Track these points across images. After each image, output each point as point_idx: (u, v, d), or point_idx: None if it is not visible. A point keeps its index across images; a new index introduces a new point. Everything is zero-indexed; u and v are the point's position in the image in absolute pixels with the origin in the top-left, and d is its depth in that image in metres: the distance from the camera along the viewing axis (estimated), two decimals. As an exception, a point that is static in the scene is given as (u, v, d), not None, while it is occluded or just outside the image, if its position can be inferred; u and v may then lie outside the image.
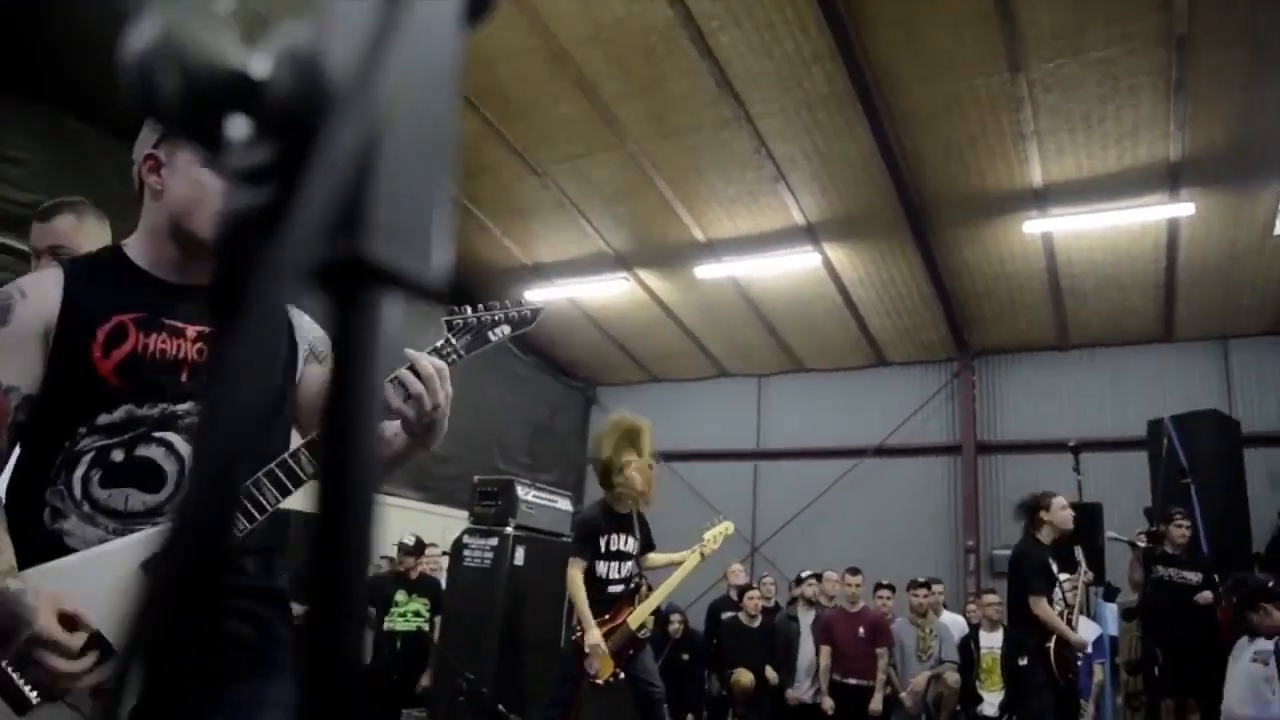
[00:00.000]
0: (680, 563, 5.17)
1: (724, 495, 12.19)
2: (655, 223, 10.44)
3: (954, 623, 7.82)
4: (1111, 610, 7.77)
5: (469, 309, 1.74)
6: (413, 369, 1.52)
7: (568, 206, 10.35)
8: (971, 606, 8.42)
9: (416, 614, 6.87)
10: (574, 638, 4.79)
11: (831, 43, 7.54)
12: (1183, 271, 9.84)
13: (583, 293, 12.06)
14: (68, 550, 1.40)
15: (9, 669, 1.28)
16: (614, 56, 8.18)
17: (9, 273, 7.43)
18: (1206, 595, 6.08)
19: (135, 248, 1.61)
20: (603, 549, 4.91)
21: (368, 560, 0.37)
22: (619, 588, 4.92)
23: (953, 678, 7.15)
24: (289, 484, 1.49)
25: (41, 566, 1.35)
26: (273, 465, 1.48)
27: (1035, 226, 9.32)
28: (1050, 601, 5.45)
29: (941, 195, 9.28)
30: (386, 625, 6.94)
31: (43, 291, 1.49)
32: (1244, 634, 5.11)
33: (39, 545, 1.37)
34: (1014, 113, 8.06)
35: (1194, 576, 6.17)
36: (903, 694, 7.43)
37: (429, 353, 1.61)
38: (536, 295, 12.09)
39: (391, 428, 1.63)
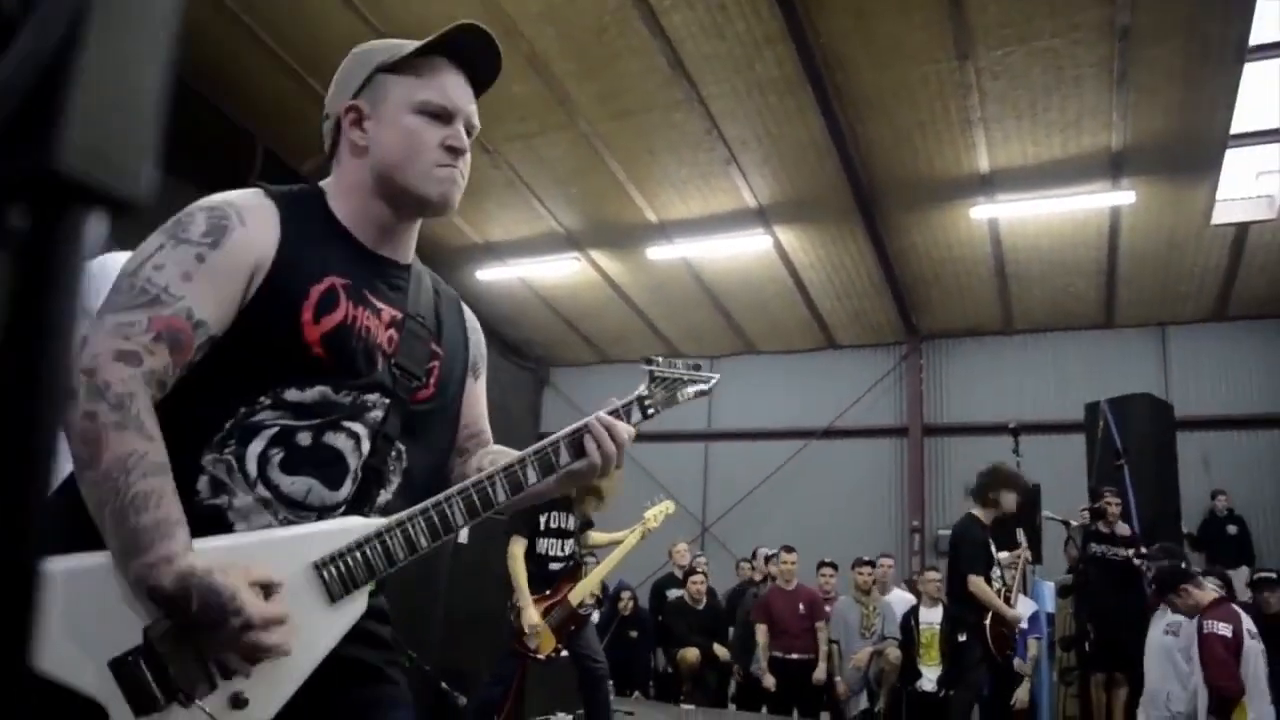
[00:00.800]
0: (620, 541, 5.21)
1: (675, 476, 12.26)
2: (607, 203, 10.43)
3: (903, 600, 7.93)
4: (1049, 588, 7.97)
5: (674, 362, 1.63)
6: (610, 428, 1.44)
7: (519, 185, 10.29)
8: (903, 585, 8.62)
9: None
10: (512, 617, 4.80)
11: (783, 25, 7.55)
12: (1124, 258, 10.07)
13: (534, 272, 12.02)
14: (228, 528, 1.23)
15: (142, 665, 1.10)
16: (566, 35, 8.12)
17: None
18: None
19: (338, 205, 1.41)
20: (542, 526, 4.93)
21: (45, 490, 0.36)
22: (560, 565, 4.95)
23: (894, 653, 7.29)
24: (479, 505, 1.37)
25: (213, 541, 1.18)
26: (428, 505, 1.33)
27: (982, 212, 9.46)
28: (988, 580, 5.58)
29: (891, 180, 9.38)
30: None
31: (262, 223, 1.30)
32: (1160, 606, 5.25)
33: (193, 517, 1.16)
34: (962, 99, 8.16)
35: (1125, 553, 6.36)
36: (837, 678, 7.56)
37: (633, 401, 1.53)
38: (487, 274, 12.05)
39: (484, 439, 1.59)
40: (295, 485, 1.26)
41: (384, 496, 1.35)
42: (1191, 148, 8.30)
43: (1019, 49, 7.62)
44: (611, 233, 10.99)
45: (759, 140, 9.06)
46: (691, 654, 7.63)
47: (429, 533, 1.31)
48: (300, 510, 1.26)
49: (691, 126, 8.97)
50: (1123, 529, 6.65)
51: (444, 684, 5.01)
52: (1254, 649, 4.45)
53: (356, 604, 1.26)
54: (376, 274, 1.40)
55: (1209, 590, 4.75)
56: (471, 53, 1.44)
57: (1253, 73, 7.74)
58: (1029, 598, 7.27)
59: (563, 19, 7.94)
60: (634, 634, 8.16)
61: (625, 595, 8.27)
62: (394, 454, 1.36)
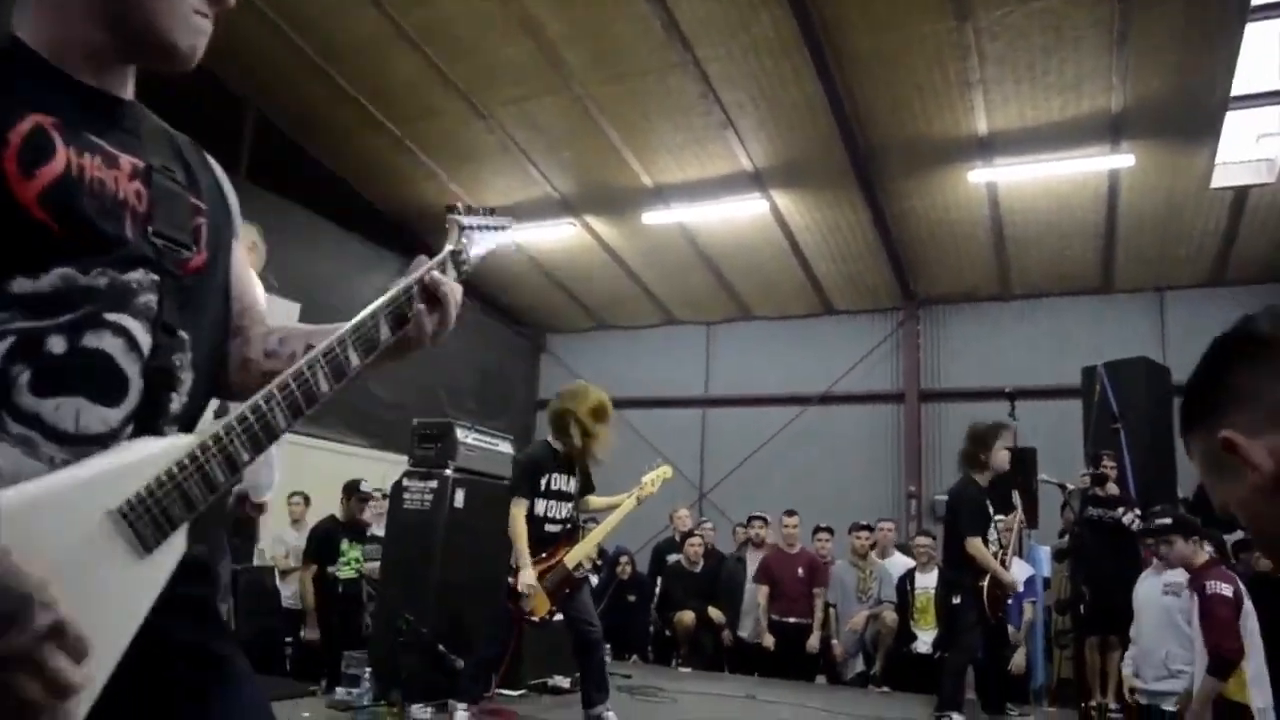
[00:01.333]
0: (618, 505, 5.21)
1: (672, 441, 12.28)
2: (602, 168, 10.34)
3: (901, 564, 7.94)
4: (1045, 552, 8.01)
5: (475, 209, 1.40)
6: (429, 283, 1.23)
7: (514, 150, 10.20)
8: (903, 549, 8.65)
9: (356, 560, 6.85)
10: (509, 578, 4.80)
11: (779, -15, 7.46)
12: (1122, 222, 10.02)
13: (530, 238, 11.94)
14: None
15: None
16: (560, -3, 8.02)
17: None
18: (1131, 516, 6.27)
19: (30, 29, 1.04)
20: (543, 487, 4.92)
21: None
22: (557, 527, 4.94)
23: (890, 617, 7.33)
24: (303, 404, 1.09)
25: None
26: (245, 412, 1.04)
27: (980, 176, 9.40)
28: (985, 542, 5.59)
29: (888, 143, 9.30)
30: (330, 571, 6.93)
31: None
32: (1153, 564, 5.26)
33: None
34: (960, 61, 8.07)
35: (1120, 515, 6.37)
36: (834, 641, 7.61)
37: (446, 257, 1.30)
38: (483, 241, 11.94)
39: (260, 314, 1.29)
40: (60, 411, 0.95)
41: (178, 402, 1.06)
42: (1191, 110, 8.22)
43: (1018, 9, 7.51)
44: (607, 197, 10.92)
45: (755, 103, 8.97)
46: (687, 617, 7.68)
47: (250, 445, 1.03)
48: (76, 444, 0.95)
49: (687, 90, 8.87)
50: (1113, 489, 6.66)
51: (440, 646, 5.03)
52: (1249, 608, 4.47)
53: (175, 546, 0.99)
54: (98, 112, 1.05)
55: (1204, 552, 4.76)
56: None
57: (1254, 33, 7.63)
58: (1025, 561, 7.31)
59: (556, -20, 7.84)
60: (631, 598, 8.21)
61: (623, 560, 8.32)
62: (178, 345, 1.06)
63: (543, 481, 4.91)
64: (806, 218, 10.76)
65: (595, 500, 5.27)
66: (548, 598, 4.81)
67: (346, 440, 10.83)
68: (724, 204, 10.46)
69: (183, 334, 1.07)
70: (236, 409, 1.04)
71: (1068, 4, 7.41)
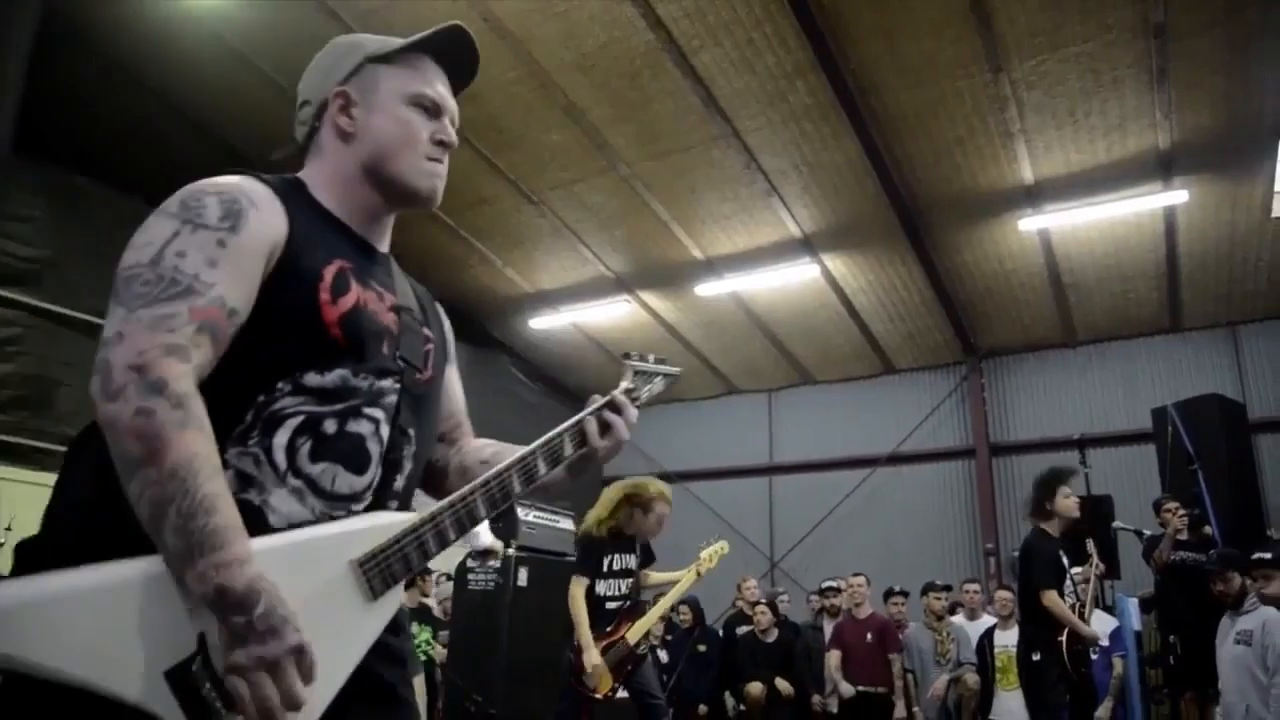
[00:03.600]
0: (677, 580, 5.19)
1: (740, 512, 12.19)
2: (653, 243, 10.53)
3: (973, 626, 7.72)
4: (1132, 603, 7.69)
5: (646, 356, 1.66)
6: (613, 407, 1.49)
7: (565, 233, 10.45)
8: (991, 608, 8.36)
9: (427, 642, 6.90)
10: (571, 655, 4.79)
11: (811, 55, 7.63)
12: (1184, 259, 9.80)
13: (586, 317, 12.15)
14: (267, 528, 1.17)
15: (203, 672, 1.05)
16: (600, 82, 8.29)
17: (17, 327, 7.61)
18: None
19: (323, 194, 1.39)
20: (605, 568, 4.92)
21: None
22: (617, 604, 4.93)
23: (972, 679, 7.08)
24: (499, 499, 1.38)
25: (258, 542, 1.10)
26: (455, 499, 1.32)
27: (1031, 224, 9.33)
28: (1061, 594, 5.41)
29: (934, 198, 9.31)
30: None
31: (270, 205, 1.26)
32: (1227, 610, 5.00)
33: None
34: (999, 112, 8.10)
35: (1203, 558, 6.12)
36: (915, 708, 7.36)
37: (623, 393, 1.56)
38: (540, 322, 12.21)
39: (467, 427, 1.59)
40: (324, 474, 1.23)
41: (399, 483, 1.35)
42: (1242, 139, 8.09)
43: (1051, 56, 7.55)
44: (659, 272, 11.08)
45: (798, 170, 9.09)
46: (755, 688, 7.50)
47: (457, 528, 1.31)
48: (330, 500, 1.24)
49: (730, 161, 9.04)
50: (1209, 532, 6.41)
51: (510, 727, 5.02)
52: None
53: (392, 600, 1.27)
54: (371, 260, 1.39)
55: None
56: (456, 53, 1.48)
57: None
58: (1107, 614, 7.04)
59: (595, 67, 8.11)
60: (702, 648, 8.08)
61: (683, 608, 8.20)
62: (407, 440, 1.35)
63: (605, 561, 4.92)
64: (860, 279, 10.76)
65: (654, 576, 5.25)
66: (610, 675, 4.78)
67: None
68: (775, 271, 10.53)
69: (410, 431, 1.36)
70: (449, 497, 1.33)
71: (1102, 45, 7.41)
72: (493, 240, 10.89)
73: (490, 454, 1.54)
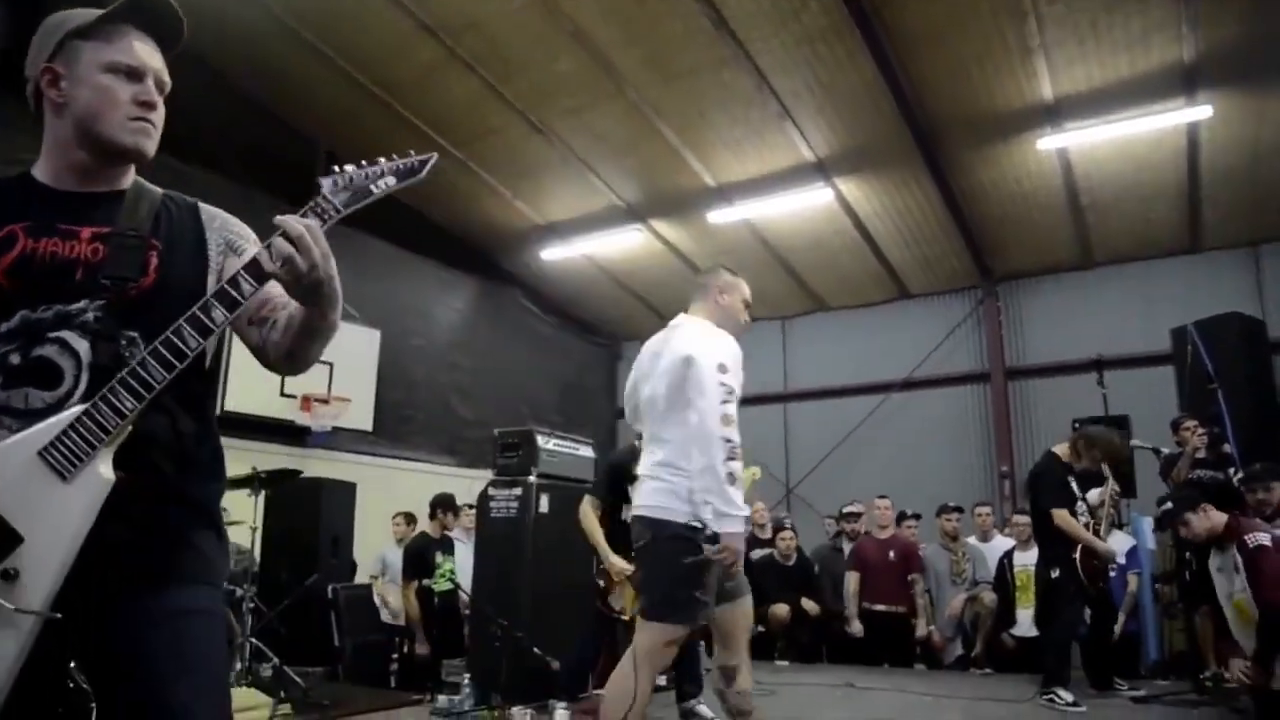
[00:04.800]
0: None
1: (755, 439, 12.11)
2: (664, 171, 10.39)
3: (1000, 546, 7.75)
4: (1147, 522, 7.73)
5: (349, 167, 1.59)
6: (282, 233, 1.47)
7: (574, 162, 10.32)
8: (1008, 530, 8.43)
9: (451, 571, 7.02)
10: (597, 580, 4.87)
11: (825, -30, 7.41)
12: (1205, 177, 9.62)
13: (598, 248, 12.07)
14: None
15: None
16: (607, 6, 8.09)
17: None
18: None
19: (40, 167, 1.62)
20: (629, 493, 4.97)
21: None
22: (643, 529, 4.98)
23: (989, 598, 7.18)
24: (172, 359, 1.46)
25: None
26: (124, 373, 1.45)
27: (1050, 143, 9.14)
28: (1073, 514, 5.44)
29: (951, 118, 9.12)
30: (426, 584, 7.12)
31: None
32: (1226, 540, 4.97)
33: None
34: (1019, 26, 7.88)
35: (1221, 476, 6.13)
36: (932, 627, 7.47)
37: (301, 214, 1.54)
38: (552, 254, 12.15)
39: (283, 303, 1.61)
40: (12, 397, 1.45)
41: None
42: (1269, 53, 7.85)
43: (1074, -33, 7.32)
44: (671, 200, 10.96)
45: (811, 91, 8.90)
46: (782, 610, 7.63)
47: (131, 395, 1.43)
48: (26, 418, 1.43)
49: (741, 84, 8.86)
50: (1228, 449, 6.40)
51: (535, 649, 5.12)
52: None
53: (96, 477, 1.41)
54: (77, 205, 1.57)
55: (1214, 512, 4.58)
56: (154, 16, 1.62)
57: (1332, -36, 7.29)
58: (1124, 533, 7.08)
59: (602, -11, 7.92)
60: None
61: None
62: (126, 343, 1.50)
63: (629, 488, 4.96)
64: (874, 203, 10.62)
65: None
66: (636, 594, 4.85)
67: (434, 461, 11.09)
68: (789, 197, 10.38)
69: (132, 333, 1.51)
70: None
71: (1126, -44, 7.19)
72: (501, 172, 10.77)
73: (284, 320, 1.63)
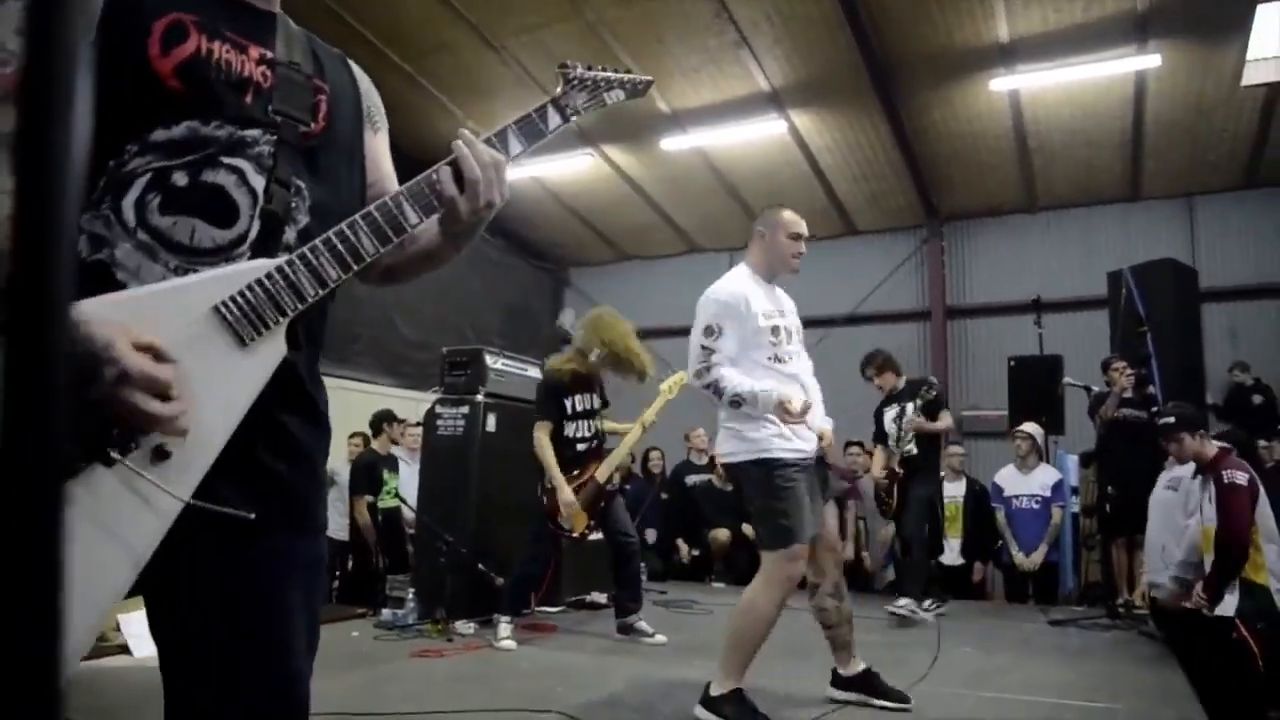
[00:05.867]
0: (629, 430, 5.34)
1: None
2: (618, 95, 10.23)
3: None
4: (1072, 461, 8.05)
5: (582, 65, 1.47)
6: (471, 154, 1.31)
7: (529, 82, 10.11)
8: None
9: (396, 489, 7.04)
10: (543, 498, 4.94)
11: (790, -105, 7.28)
12: (1150, 127, 9.82)
13: (548, 171, 11.90)
14: (117, 285, 1.14)
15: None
16: (567, -82, 7.88)
17: None
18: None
19: None
20: (569, 410, 5.03)
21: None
22: (585, 445, 5.06)
23: (919, 527, 7.45)
24: (389, 231, 1.27)
25: (94, 299, 1.08)
26: (330, 235, 1.24)
27: (1002, 84, 9.23)
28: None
29: (908, 55, 9.13)
30: (372, 501, 7.15)
31: None
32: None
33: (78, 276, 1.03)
34: (980, -36, 7.88)
35: (1145, 415, 6.39)
36: (864, 553, 7.73)
37: (546, 105, 1.42)
38: (502, 175, 11.92)
39: (427, 224, 1.39)
40: (178, 226, 1.18)
41: (290, 237, 1.27)
42: (1219, 5, 7.99)
43: (1038, -94, 7.30)
44: (624, 125, 10.83)
45: (770, 20, 8.82)
46: (723, 534, 7.82)
47: (336, 262, 1.24)
48: (190, 256, 1.18)
49: (700, 10, 8.73)
50: (1152, 391, 6.65)
51: (480, 565, 5.19)
52: (1263, 498, 4.51)
53: (272, 347, 1.20)
54: (234, 15, 1.30)
55: (1212, 444, 4.77)
56: None
57: (1285, -81, 7.38)
58: (1051, 467, 7.36)
59: (563, -99, 7.69)
60: (665, 496, 8.37)
61: (654, 455, 8.50)
62: (294, 192, 1.28)
63: (567, 404, 5.02)
64: (826, 137, 10.63)
65: (610, 425, 5.39)
66: (584, 513, 4.95)
67: (377, 381, 11.00)
68: (742, 126, 10.35)
69: (299, 184, 1.29)
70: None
71: (1089, -101, 7.19)
72: (453, 90, 10.52)
73: None
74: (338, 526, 7.49)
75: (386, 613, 5.44)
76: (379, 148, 1.52)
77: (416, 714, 3.33)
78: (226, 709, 1.18)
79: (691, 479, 8.27)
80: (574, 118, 1.44)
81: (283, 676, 1.23)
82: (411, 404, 9.71)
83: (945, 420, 6.30)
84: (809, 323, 13.32)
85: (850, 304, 12.34)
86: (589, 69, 1.48)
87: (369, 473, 7.14)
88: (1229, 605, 4.31)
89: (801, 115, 10.21)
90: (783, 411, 3.23)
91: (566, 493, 4.84)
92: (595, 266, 14.43)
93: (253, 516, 1.15)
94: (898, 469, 6.15)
